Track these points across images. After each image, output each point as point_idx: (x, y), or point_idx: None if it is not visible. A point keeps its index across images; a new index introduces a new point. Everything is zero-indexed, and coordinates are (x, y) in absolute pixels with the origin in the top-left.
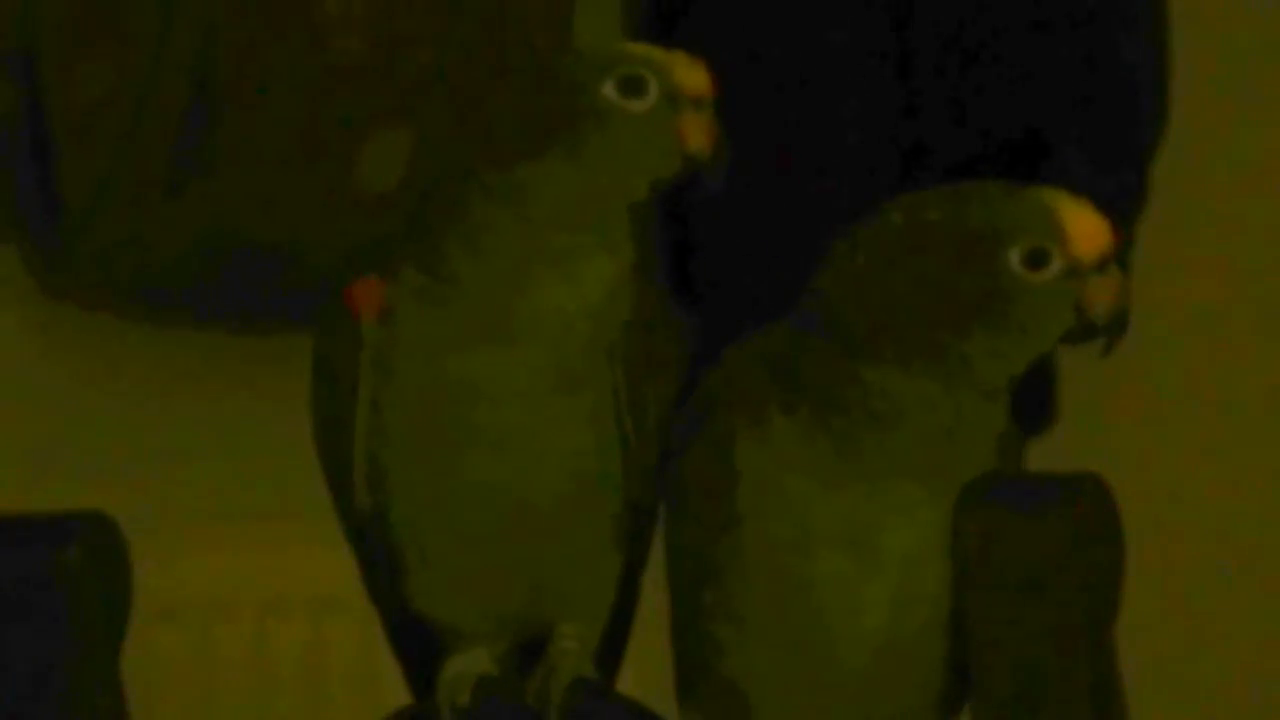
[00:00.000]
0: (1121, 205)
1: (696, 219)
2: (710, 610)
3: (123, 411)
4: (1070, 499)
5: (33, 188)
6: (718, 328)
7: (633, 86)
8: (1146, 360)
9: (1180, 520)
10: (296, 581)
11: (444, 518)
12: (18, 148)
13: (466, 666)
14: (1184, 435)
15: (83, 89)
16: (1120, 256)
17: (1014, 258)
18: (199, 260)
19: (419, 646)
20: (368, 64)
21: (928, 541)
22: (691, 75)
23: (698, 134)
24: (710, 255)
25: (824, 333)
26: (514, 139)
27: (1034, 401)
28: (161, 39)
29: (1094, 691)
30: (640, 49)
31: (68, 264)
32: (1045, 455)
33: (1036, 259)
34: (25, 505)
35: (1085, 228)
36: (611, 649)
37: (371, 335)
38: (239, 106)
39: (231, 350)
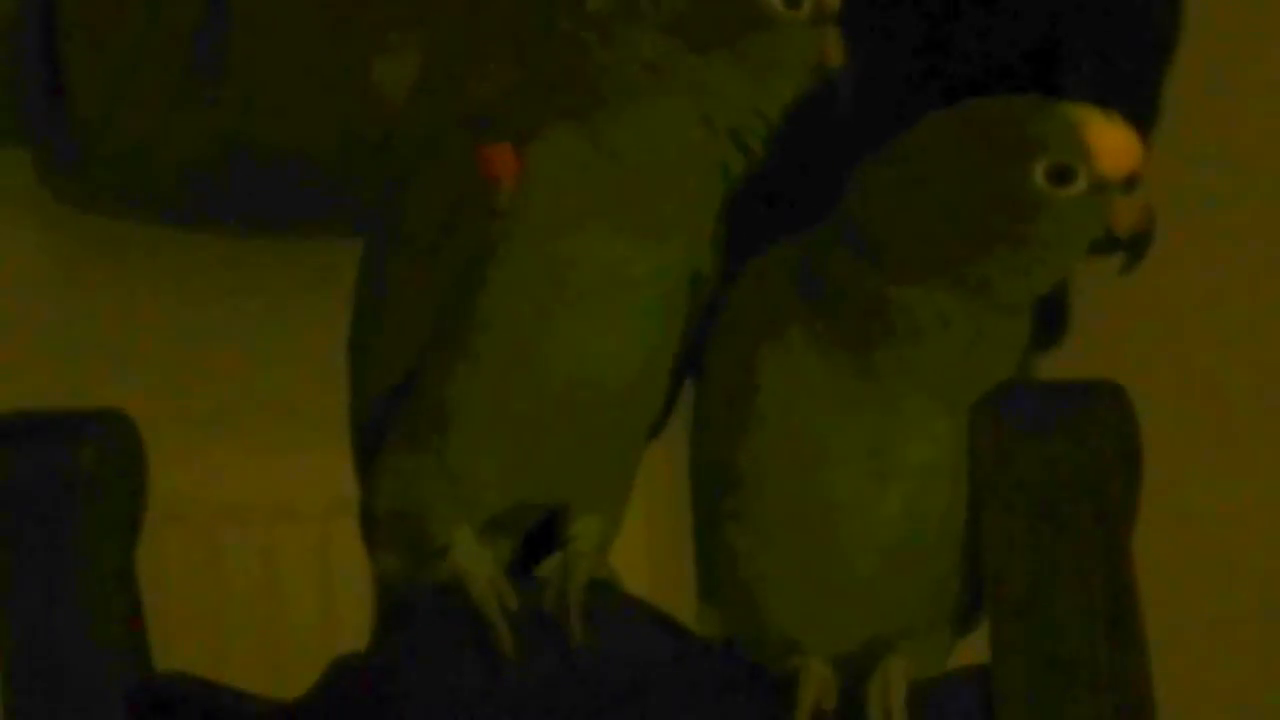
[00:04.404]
0: (1134, 114)
1: None
2: (728, 516)
3: (136, 315)
4: (1087, 408)
5: (43, 92)
6: (741, 239)
7: (793, 1)
8: (1161, 269)
9: (1196, 430)
10: (307, 485)
11: (517, 386)
12: (28, 52)
13: (482, 566)
14: (1201, 343)
15: None
16: None
17: (1038, 173)
18: (211, 165)
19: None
20: None
21: (944, 455)
22: None
23: (836, 50)
24: None
25: (850, 246)
26: (690, 28)
27: (1046, 314)
28: None
29: (1110, 603)
30: None
31: (79, 169)
32: (1059, 366)
33: (1061, 175)
34: (36, 407)
35: (1113, 144)
36: None
37: (509, 204)
38: (254, 11)
39: (243, 254)
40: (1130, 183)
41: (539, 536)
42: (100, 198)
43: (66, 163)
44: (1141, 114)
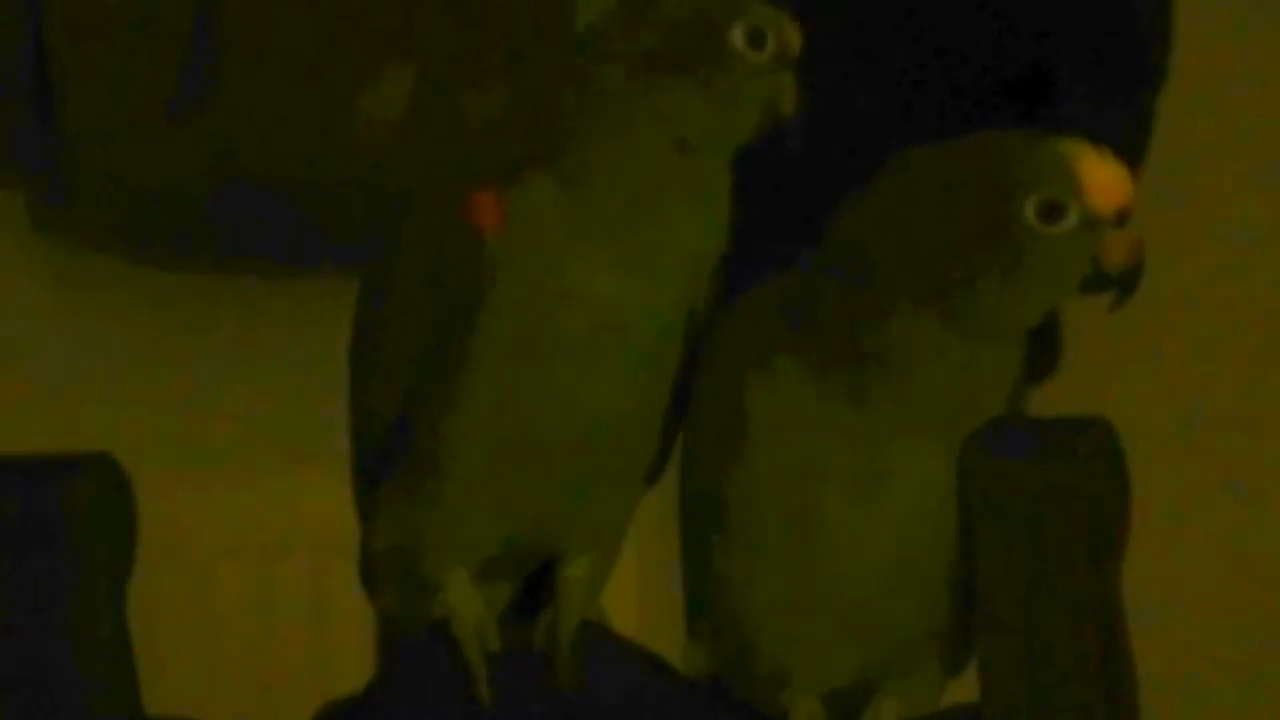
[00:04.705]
0: (1126, 140)
1: None
2: (718, 547)
3: (124, 353)
4: (1076, 443)
5: (33, 123)
6: (732, 269)
7: (756, 38)
8: (1152, 305)
9: (1185, 463)
10: (300, 523)
11: (508, 431)
12: (18, 82)
13: (471, 607)
14: (1190, 380)
15: (84, 21)
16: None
17: (1029, 209)
18: (199, 196)
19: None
20: None
21: (935, 488)
22: (794, 36)
23: (790, 95)
24: None
25: (839, 278)
26: (656, 60)
27: (1038, 347)
28: None
29: (1099, 634)
30: (761, 4)
31: (68, 200)
32: (1050, 401)
33: (1052, 211)
34: (27, 447)
35: (1103, 180)
36: None
37: (495, 251)
38: (242, 37)
39: (235, 291)
40: (1121, 218)
41: (543, 581)
42: (91, 232)
43: (57, 196)
44: (1132, 143)
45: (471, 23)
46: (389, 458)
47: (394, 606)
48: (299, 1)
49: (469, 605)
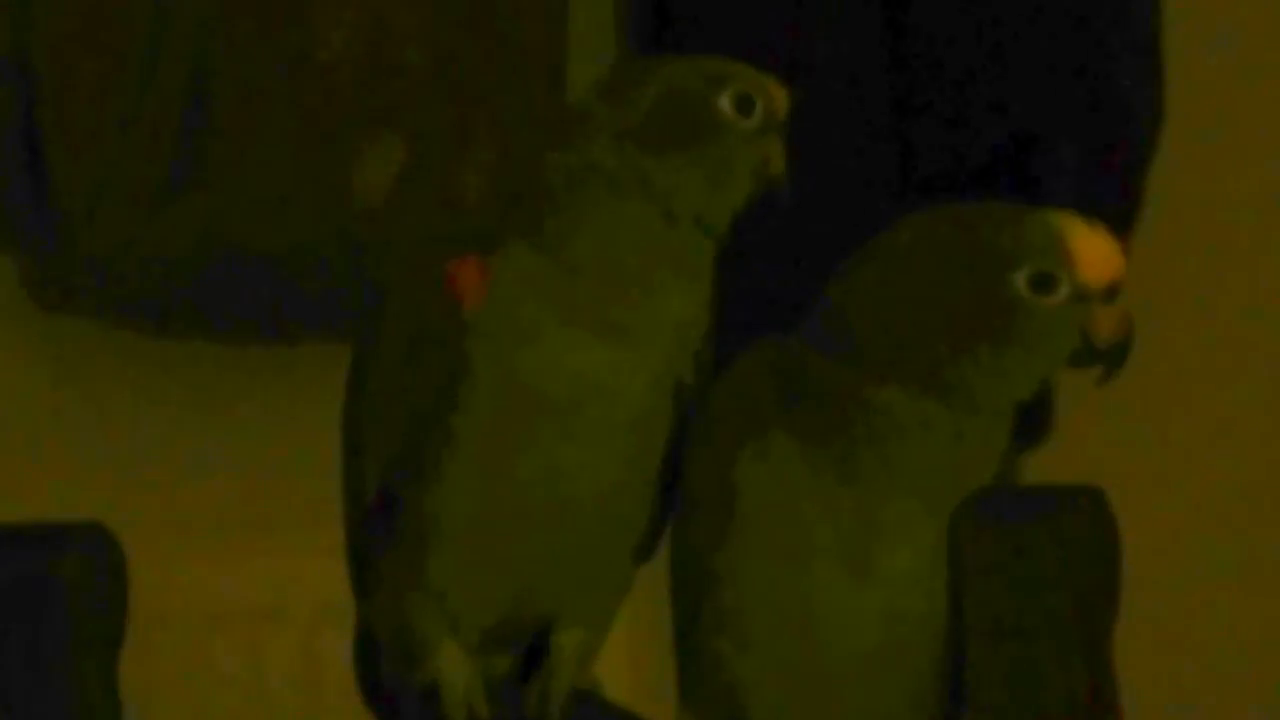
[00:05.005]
0: (1115, 212)
1: None
2: (709, 618)
3: (118, 423)
4: (1067, 512)
5: (26, 197)
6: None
7: (744, 104)
8: (1143, 371)
9: (1177, 531)
10: (292, 591)
11: (494, 503)
12: (11, 156)
13: (460, 675)
14: (1182, 446)
15: (76, 96)
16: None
17: (1020, 281)
18: (193, 269)
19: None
20: (361, 70)
21: (924, 558)
22: (781, 99)
23: (779, 158)
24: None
25: (830, 348)
26: (645, 133)
27: (1029, 413)
28: (155, 45)
29: (1091, 703)
30: (748, 70)
31: (62, 273)
32: (1041, 467)
33: (1043, 283)
34: (20, 516)
35: (1095, 253)
36: None
37: (474, 320)
38: (233, 113)
39: (227, 360)
40: (1111, 292)
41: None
42: (82, 303)
43: (48, 266)
44: (1122, 215)
45: (462, 94)
46: (380, 531)
47: (392, 677)
48: (291, 75)
49: (458, 673)
